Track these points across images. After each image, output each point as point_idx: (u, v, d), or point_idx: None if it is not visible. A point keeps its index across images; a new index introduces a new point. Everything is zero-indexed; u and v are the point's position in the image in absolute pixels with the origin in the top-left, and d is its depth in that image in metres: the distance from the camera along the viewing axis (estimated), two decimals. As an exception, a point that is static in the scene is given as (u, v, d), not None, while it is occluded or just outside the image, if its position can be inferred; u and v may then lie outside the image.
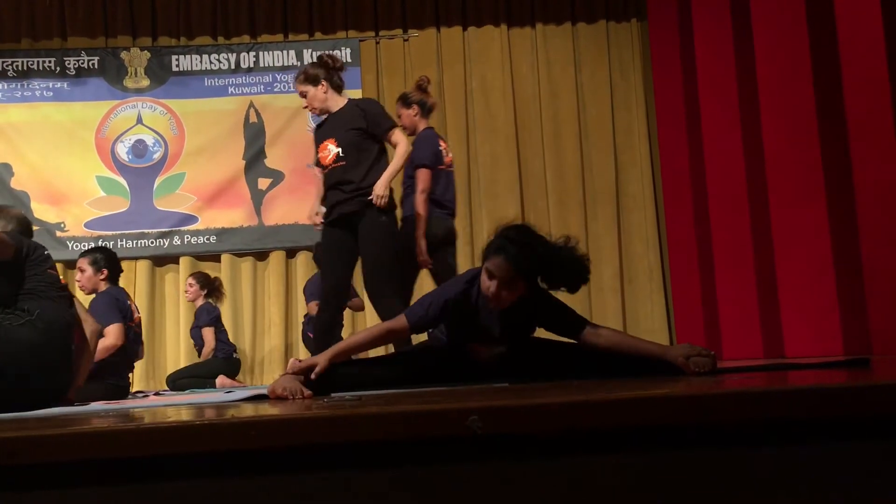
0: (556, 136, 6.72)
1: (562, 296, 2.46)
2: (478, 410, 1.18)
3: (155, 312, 6.40)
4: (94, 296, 4.33)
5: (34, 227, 3.63)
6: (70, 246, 6.31)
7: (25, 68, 6.51)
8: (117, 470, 1.16)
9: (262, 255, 6.58)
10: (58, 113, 6.52)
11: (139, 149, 6.56)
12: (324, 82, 3.81)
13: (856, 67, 3.65)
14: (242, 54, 6.67)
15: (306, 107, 3.92)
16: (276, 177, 6.59)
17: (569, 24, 6.85)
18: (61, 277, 3.28)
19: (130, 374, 4.38)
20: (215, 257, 6.52)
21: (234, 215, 6.53)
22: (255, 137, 6.62)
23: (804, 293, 4.09)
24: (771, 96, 4.33)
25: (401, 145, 3.74)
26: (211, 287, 5.96)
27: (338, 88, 3.86)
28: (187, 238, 6.48)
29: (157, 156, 6.57)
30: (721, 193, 4.94)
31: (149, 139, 6.58)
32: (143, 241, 6.42)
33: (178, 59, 6.64)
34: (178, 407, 2.08)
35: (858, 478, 1.20)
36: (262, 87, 6.67)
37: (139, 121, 6.59)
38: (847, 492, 1.19)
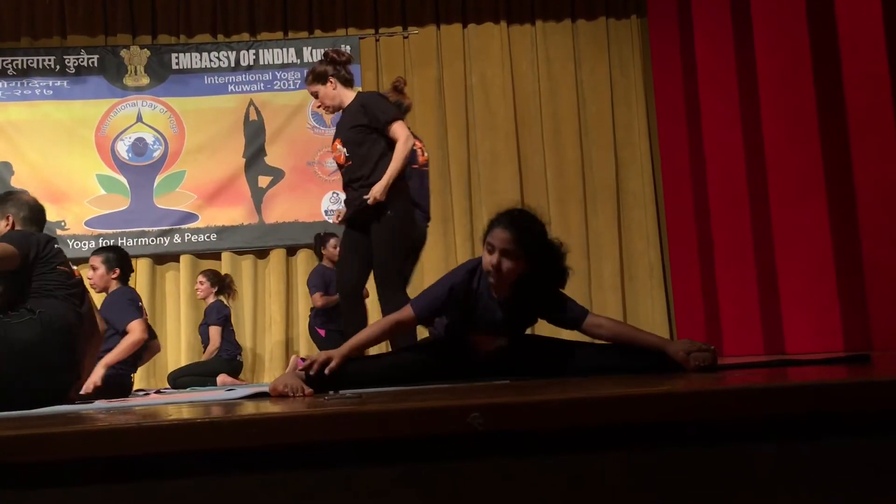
0: (556, 132, 6.71)
1: None
2: (479, 407, 1.18)
3: (155, 311, 6.40)
4: (104, 294, 4.35)
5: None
6: (70, 244, 6.31)
7: (25, 67, 6.51)
8: (119, 468, 1.16)
9: (262, 253, 6.58)
10: (58, 111, 6.51)
11: (139, 147, 6.56)
12: (332, 79, 3.77)
13: (856, 63, 3.64)
14: (242, 52, 6.66)
15: (319, 106, 3.87)
16: (277, 174, 6.59)
17: (568, 20, 6.84)
18: (76, 269, 3.27)
19: (133, 375, 4.38)
20: (216, 255, 6.52)
21: (234, 213, 6.53)
22: (255, 135, 6.62)
23: (805, 289, 4.09)
24: (771, 92, 4.33)
25: (399, 143, 3.62)
26: (222, 284, 5.96)
27: (347, 82, 3.81)
28: (188, 236, 6.48)
29: (157, 154, 6.57)
30: (721, 190, 4.94)
31: (149, 137, 6.58)
32: (143, 240, 6.42)
33: (177, 57, 6.63)
34: (180, 405, 2.08)
35: (859, 474, 1.20)
36: (261, 84, 6.66)
37: (139, 119, 6.59)
38: (847, 488, 1.19)
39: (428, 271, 5.84)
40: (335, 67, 3.79)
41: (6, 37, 6.56)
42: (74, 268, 3.28)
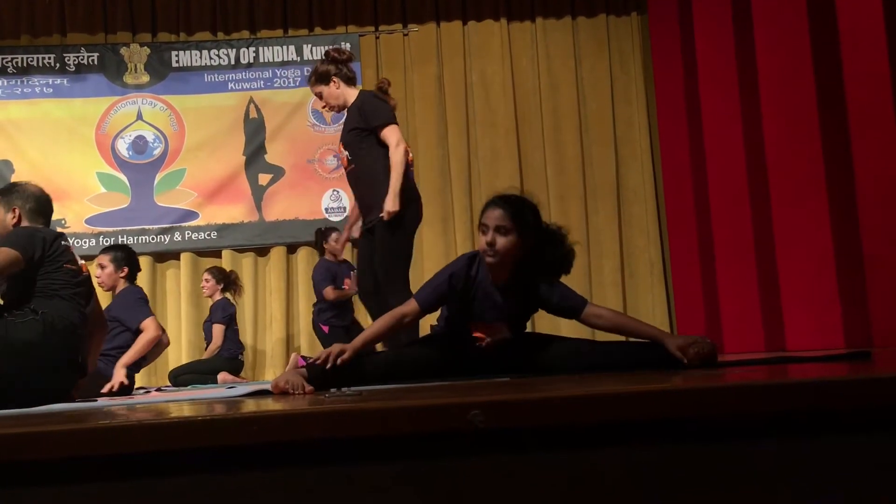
0: (557, 129, 6.71)
1: None
2: (479, 405, 1.18)
3: (156, 309, 6.38)
4: (111, 293, 4.37)
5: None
6: (71, 242, 6.29)
7: (25, 65, 6.50)
8: (119, 466, 1.16)
9: (262, 251, 6.58)
10: (58, 109, 6.51)
11: (139, 145, 6.56)
12: (335, 78, 3.72)
13: (857, 60, 3.64)
14: (242, 50, 6.66)
15: (324, 106, 3.82)
16: (277, 172, 6.59)
17: (569, 17, 6.84)
18: (83, 264, 3.26)
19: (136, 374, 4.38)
20: (216, 253, 6.52)
21: (234, 211, 6.53)
22: (255, 133, 6.62)
23: (805, 286, 4.09)
24: (772, 89, 4.33)
25: (390, 149, 3.53)
26: (227, 281, 5.96)
27: (350, 81, 3.75)
28: (188, 234, 6.48)
29: (157, 152, 6.57)
30: (722, 186, 4.94)
31: (149, 135, 6.58)
32: (143, 238, 6.42)
33: (177, 55, 6.63)
34: (181, 403, 2.08)
35: (859, 471, 1.20)
36: (262, 82, 6.66)
37: (139, 117, 6.59)
38: (848, 485, 1.19)
39: (428, 269, 5.84)
40: (337, 66, 3.75)
41: (6, 35, 6.56)
42: (82, 262, 3.26)
